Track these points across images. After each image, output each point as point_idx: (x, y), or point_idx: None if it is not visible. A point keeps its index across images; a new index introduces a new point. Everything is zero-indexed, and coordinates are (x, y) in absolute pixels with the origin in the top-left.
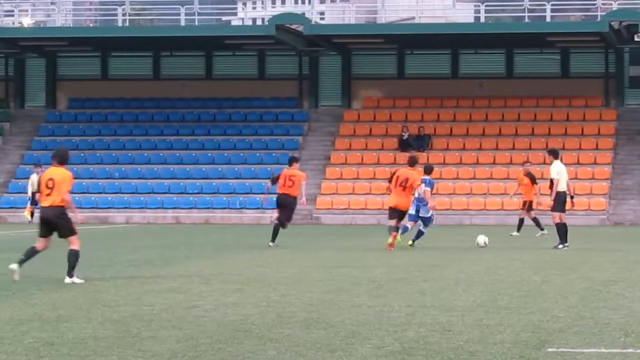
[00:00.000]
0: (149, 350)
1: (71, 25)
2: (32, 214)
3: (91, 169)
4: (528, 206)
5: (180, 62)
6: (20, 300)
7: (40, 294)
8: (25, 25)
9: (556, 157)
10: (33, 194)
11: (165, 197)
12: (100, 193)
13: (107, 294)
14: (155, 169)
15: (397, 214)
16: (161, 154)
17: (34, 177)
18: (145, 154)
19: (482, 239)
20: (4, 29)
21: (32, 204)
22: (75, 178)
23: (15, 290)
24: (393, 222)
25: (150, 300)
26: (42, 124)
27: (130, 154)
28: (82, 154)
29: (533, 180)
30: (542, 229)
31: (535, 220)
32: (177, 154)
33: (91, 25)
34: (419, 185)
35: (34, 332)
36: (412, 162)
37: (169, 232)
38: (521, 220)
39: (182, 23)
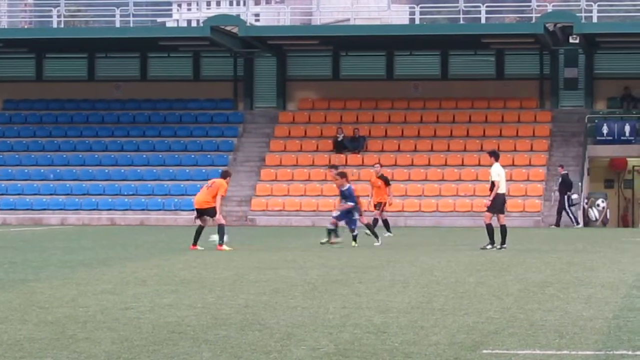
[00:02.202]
0: (84, 351)
1: (6, 27)
2: None
3: (26, 170)
4: (382, 207)
5: (115, 64)
6: None
7: None
8: None
9: (497, 159)
10: None
11: (100, 198)
12: (35, 194)
13: (42, 295)
14: (90, 171)
15: None
16: (96, 156)
17: None
18: (80, 156)
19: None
20: None
21: None
22: (10, 179)
23: None
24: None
25: (85, 302)
26: None
27: (65, 156)
28: (17, 155)
29: (387, 182)
30: (389, 232)
31: (385, 221)
32: (112, 156)
33: (26, 26)
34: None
35: None
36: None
37: (104, 233)
38: (384, 221)
39: (117, 24)
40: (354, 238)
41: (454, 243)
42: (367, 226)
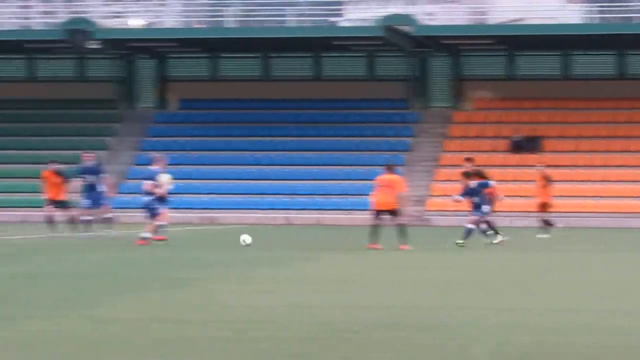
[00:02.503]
0: (264, 351)
1: (181, 27)
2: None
3: (202, 169)
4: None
5: (289, 63)
6: (137, 300)
7: (156, 294)
8: (135, 27)
9: None
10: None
11: (276, 198)
12: (210, 194)
13: (221, 294)
14: (266, 170)
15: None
16: (271, 155)
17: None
18: (256, 155)
19: (246, 238)
20: (114, 30)
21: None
22: (186, 179)
23: (132, 290)
24: None
25: (266, 301)
26: (152, 125)
27: (240, 155)
28: (193, 155)
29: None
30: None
31: (546, 222)
32: (287, 155)
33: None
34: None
35: (150, 332)
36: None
37: (280, 233)
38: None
39: (291, 24)
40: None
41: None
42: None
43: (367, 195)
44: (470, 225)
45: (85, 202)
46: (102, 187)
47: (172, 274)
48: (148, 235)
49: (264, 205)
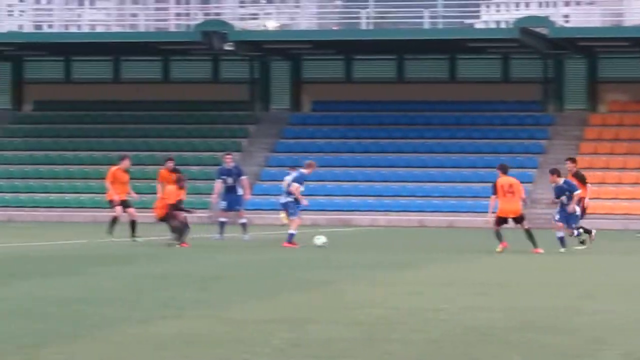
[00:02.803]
0: (395, 352)
1: (315, 29)
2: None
3: (335, 171)
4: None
5: (424, 65)
6: (269, 301)
7: (288, 295)
8: (270, 29)
9: None
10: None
11: (410, 200)
12: (344, 196)
13: (351, 296)
14: (399, 172)
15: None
16: (405, 157)
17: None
18: (389, 157)
19: (318, 240)
20: (249, 32)
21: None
22: (320, 180)
23: (263, 291)
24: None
25: (394, 303)
26: (286, 127)
27: (374, 157)
28: (326, 157)
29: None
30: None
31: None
32: (421, 157)
33: (335, 28)
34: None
35: (280, 332)
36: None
37: (413, 235)
38: None
39: (426, 26)
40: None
41: None
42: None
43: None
44: (561, 233)
45: (222, 203)
46: (241, 190)
47: (303, 276)
48: (294, 232)
49: (397, 207)
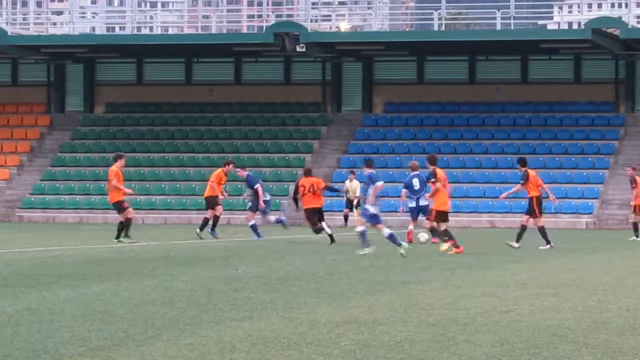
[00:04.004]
0: (465, 354)
1: (387, 30)
2: (346, 218)
3: (407, 172)
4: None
5: (496, 67)
6: (338, 303)
7: (357, 297)
8: (343, 30)
9: None
10: (348, 199)
11: (480, 201)
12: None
13: (422, 297)
14: (470, 173)
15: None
16: (476, 158)
17: (347, 183)
18: (460, 158)
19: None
20: (321, 34)
21: (347, 207)
22: (391, 182)
23: (333, 293)
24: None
25: (465, 304)
26: (358, 128)
27: (445, 158)
28: (398, 158)
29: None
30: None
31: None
32: (492, 158)
33: (407, 29)
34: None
35: (350, 334)
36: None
37: (484, 235)
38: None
39: (498, 27)
40: None
41: None
42: None
43: (571, 198)
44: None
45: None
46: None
47: (374, 278)
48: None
49: (468, 208)
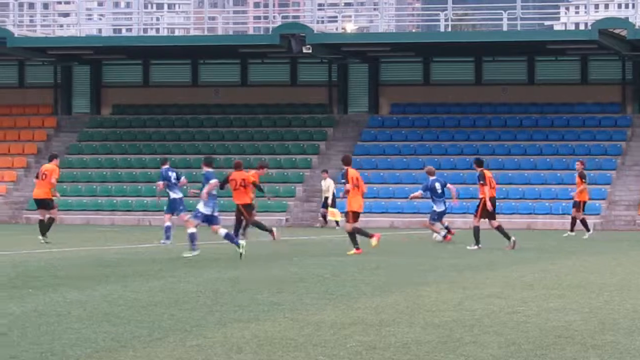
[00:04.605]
0: (471, 355)
1: (393, 31)
2: (324, 217)
3: (413, 174)
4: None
5: (502, 68)
6: (344, 304)
7: (363, 298)
8: (349, 31)
9: None
10: (325, 198)
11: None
12: (422, 198)
13: (429, 298)
14: (475, 174)
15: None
16: (483, 159)
17: (322, 182)
18: (467, 159)
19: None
20: (328, 35)
21: (323, 207)
22: (398, 183)
23: (339, 295)
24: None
25: (472, 306)
26: (364, 129)
27: (451, 160)
28: (405, 159)
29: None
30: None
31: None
32: (499, 160)
33: (413, 30)
34: None
35: (356, 335)
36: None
37: (493, 237)
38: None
39: (504, 28)
40: None
41: None
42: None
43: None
44: None
45: None
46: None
47: (380, 279)
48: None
49: (475, 209)
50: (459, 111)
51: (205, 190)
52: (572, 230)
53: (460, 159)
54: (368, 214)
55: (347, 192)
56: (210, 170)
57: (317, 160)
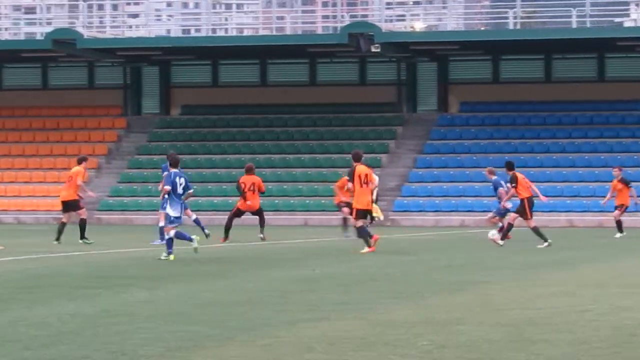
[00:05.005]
0: (541, 353)
1: (462, 29)
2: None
3: (483, 172)
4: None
5: (572, 65)
6: (415, 303)
7: (433, 297)
8: (417, 30)
9: None
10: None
11: (558, 200)
12: (494, 196)
13: (497, 297)
14: (548, 172)
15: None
16: (553, 157)
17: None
18: (538, 158)
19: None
20: (396, 34)
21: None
22: (468, 181)
23: (409, 294)
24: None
25: (541, 304)
26: (433, 128)
27: (522, 158)
28: (474, 157)
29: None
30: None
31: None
32: (570, 157)
33: (482, 28)
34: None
35: (427, 334)
36: (358, 158)
37: (562, 235)
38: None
39: (574, 25)
40: None
41: None
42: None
43: None
44: None
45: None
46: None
47: (450, 278)
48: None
49: (545, 207)
50: (529, 109)
51: (162, 191)
52: (621, 231)
53: (530, 157)
54: (439, 212)
55: (350, 190)
56: (176, 170)
57: (386, 159)
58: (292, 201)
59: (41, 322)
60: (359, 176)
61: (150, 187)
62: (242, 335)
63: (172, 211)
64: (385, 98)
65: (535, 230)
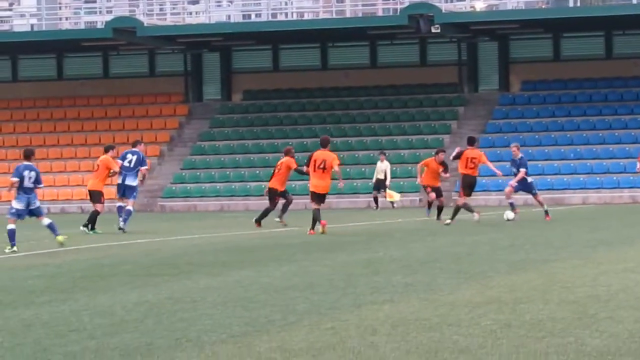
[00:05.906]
0: (606, 330)
1: (523, 8)
2: (376, 200)
3: (546, 150)
4: None
5: (633, 41)
6: (479, 283)
7: (498, 276)
8: (477, 10)
9: None
10: (377, 180)
11: (622, 176)
12: (555, 174)
13: (563, 275)
14: (610, 149)
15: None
16: (616, 134)
17: (378, 164)
18: (600, 134)
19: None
20: (456, 14)
21: (375, 189)
22: (531, 160)
23: (473, 274)
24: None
25: (607, 281)
26: (495, 107)
27: (584, 135)
28: (537, 136)
29: None
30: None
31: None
32: (632, 133)
33: (542, 6)
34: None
35: (491, 314)
36: (325, 143)
37: (626, 212)
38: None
39: (634, 1)
40: None
41: None
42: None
43: None
44: None
45: None
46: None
47: (514, 257)
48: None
49: (609, 184)
50: (591, 86)
51: (10, 186)
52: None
53: (593, 134)
54: (493, 191)
55: (305, 172)
56: (27, 163)
57: (449, 139)
58: (355, 184)
59: (105, 310)
60: (315, 161)
61: (213, 172)
62: (306, 319)
63: (16, 203)
64: (446, 79)
65: (465, 206)
